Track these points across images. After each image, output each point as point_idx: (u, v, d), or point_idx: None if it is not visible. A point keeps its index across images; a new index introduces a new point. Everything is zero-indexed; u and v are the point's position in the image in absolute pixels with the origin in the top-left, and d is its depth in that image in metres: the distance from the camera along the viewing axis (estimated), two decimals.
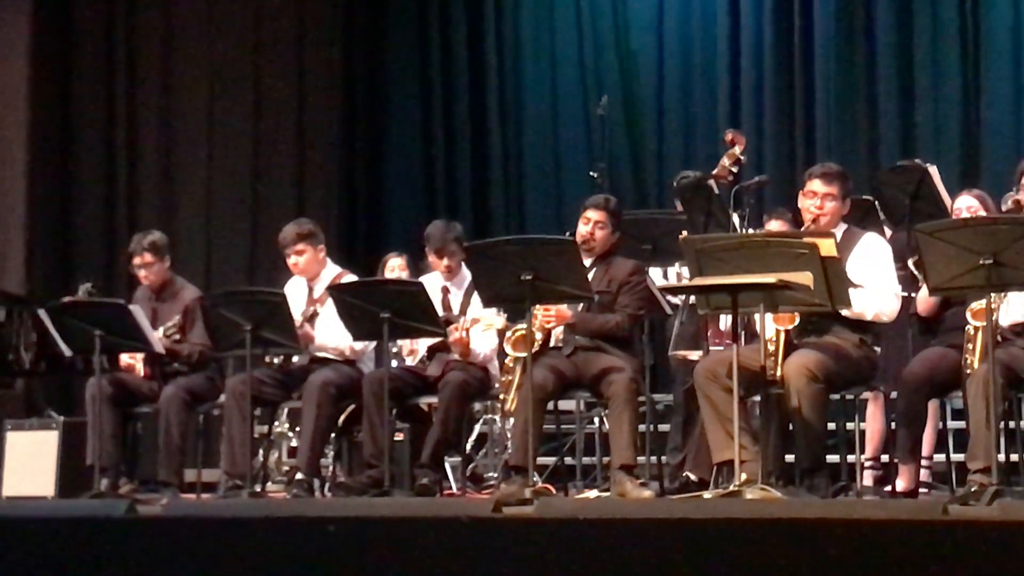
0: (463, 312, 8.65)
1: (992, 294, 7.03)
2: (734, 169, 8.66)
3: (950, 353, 7.52)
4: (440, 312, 8.48)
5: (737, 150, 8.60)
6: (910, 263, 7.77)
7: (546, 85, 12.88)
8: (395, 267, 10.06)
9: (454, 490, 9.05)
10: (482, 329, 8.43)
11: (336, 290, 8.56)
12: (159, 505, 8.01)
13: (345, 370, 8.78)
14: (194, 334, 9.05)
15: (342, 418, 8.88)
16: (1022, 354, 7.37)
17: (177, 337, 8.99)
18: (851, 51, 11.93)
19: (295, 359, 8.92)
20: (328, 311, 8.66)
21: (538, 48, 12.93)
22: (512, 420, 8.35)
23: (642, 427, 8.33)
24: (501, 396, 8.28)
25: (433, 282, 8.80)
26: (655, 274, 8.96)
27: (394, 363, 8.84)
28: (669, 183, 9.87)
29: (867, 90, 11.90)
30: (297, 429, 9.46)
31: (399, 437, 8.94)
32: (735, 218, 8.46)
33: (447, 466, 9.08)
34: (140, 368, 9.15)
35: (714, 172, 8.59)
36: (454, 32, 13.14)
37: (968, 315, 7.35)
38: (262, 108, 12.92)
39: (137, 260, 9.41)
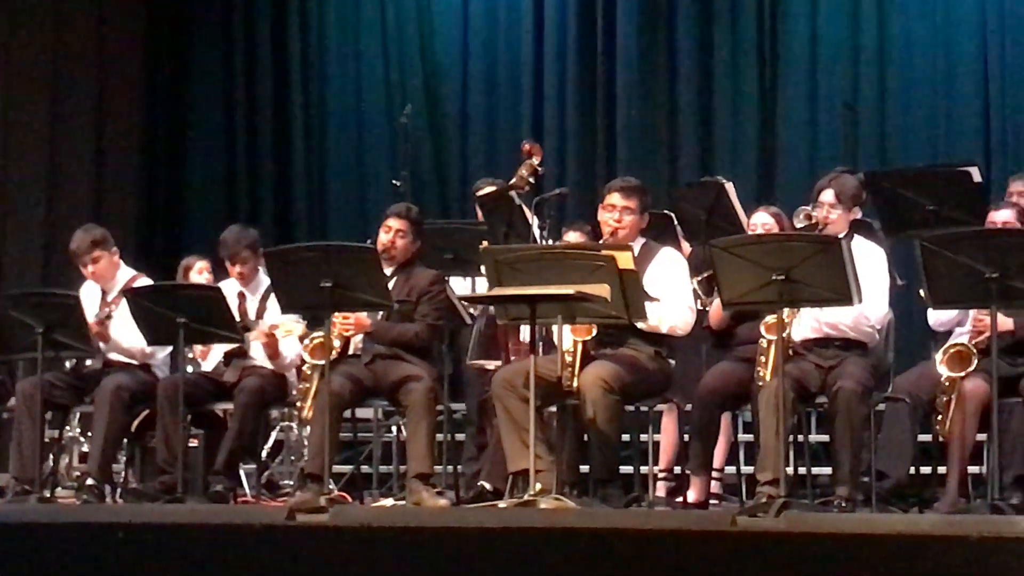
0: (259, 318, 8.57)
1: (784, 309, 7.17)
2: (531, 180, 8.71)
3: (742, 367, 7.65)
4: (237, 318, 8.40)
5: (535, 161, 8.67)
6: (694, 281, 7.90)
7: (350, 92, 12.84)
8: (202, 268, 9.94)
9: (248, 497, 8.96)
10: (282, 335, 8.37)
11: (131, 294, 8.44)
12: None
13: (139, 375, 8.67)
14: None
15: (135, 423, 8.75)
16: (812, 369, 7.52)
17: None
18: (653, 67, 12.07)
19: (88, 363, 8.77)
20: (122, 314, 8.54)
21: (342, 55, 12.89)
22: (309, 427, 8.30)
23: (439, 436, 8.35)
24: (298, 403, 8.24)
25: (230, 287, 8.72)
26: (456, 283, 8.99)
27: (190, 368, 8.74)
28: (471, 192, 9.91)
29: (667, 106, 12.06)
30: (89, 434, 9.30)
31: (193, 443, 8.82)
32: (535, 229, 8.52)
33: (242, 473, 8.99)
34: None
35: (512, 182, 8.64)
36: (258, 36, 13.02)
37: (761, 329, 7.48)
38: (59, 109, 12.66)
39: None
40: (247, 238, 8.78)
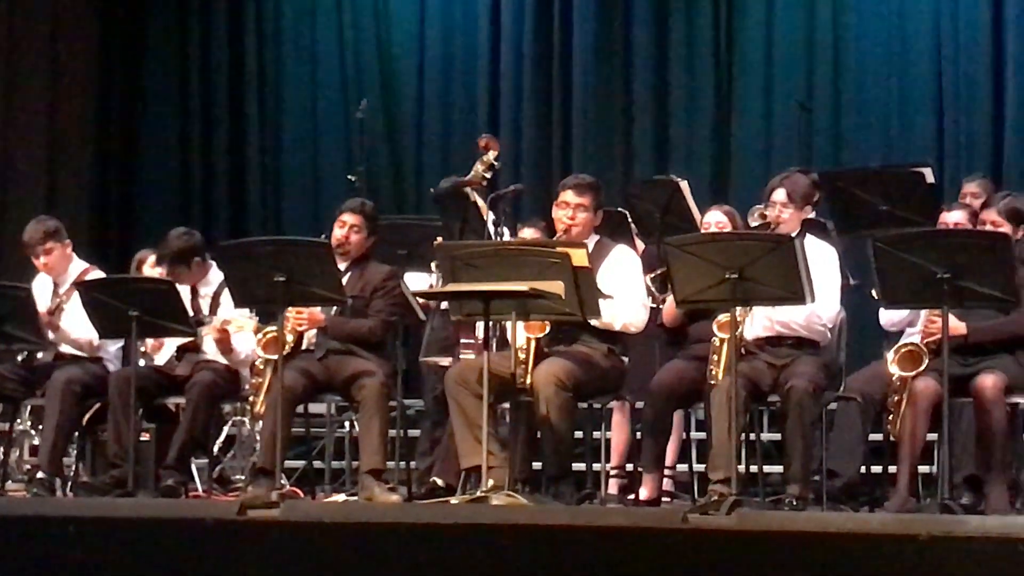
0: (212, 313, 8.54)
1: (737, 308, 7.19)
2: (488, 175, 8.71)
3: (695, 365, 7.66)
4: (190, 312, 8.37)
5: (491, 156, 8.65)
6: (647, 279, 7.92)
7: (306, 87, 12.80)
8: (155, 262, 9.86)
9: (200, 492, 8.93)
10: (233, 330, 8.34)
11: (84, 286, 8.40)
12: None
13: (91, 368, 8.63)
14: None
15: (87, 417, 8.71)
16: (765, 368, 7.55)
17: None
18: (608, 65, 12.09)
19: (40, 355, 8.73)
20: (74, 306, 8.50)
21: (298, 49, 12.85)
22: (261, 422, 8.29)
23: (392, 432, 8.34)
24: (251, 398, 8.21)
25: None
26: (411, 279, 8.98)
27: (142, 362, 8.71)
28: (430, 192, 9.90)
29: (623, 104, 12.08)
30: (40, 427, 9.25)
31: (145, 437, 8.80)
32: (490, 225, 8.52)
33: (193, 467, 8.97)
34: None
35: (468, 178, 8.63)
36: (214, 30, 12.97)
37: (713, 328, 7.50)
38: (13, 103, 12.58)
39: None
40: (189, 241, 8.68)
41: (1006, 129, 11.11)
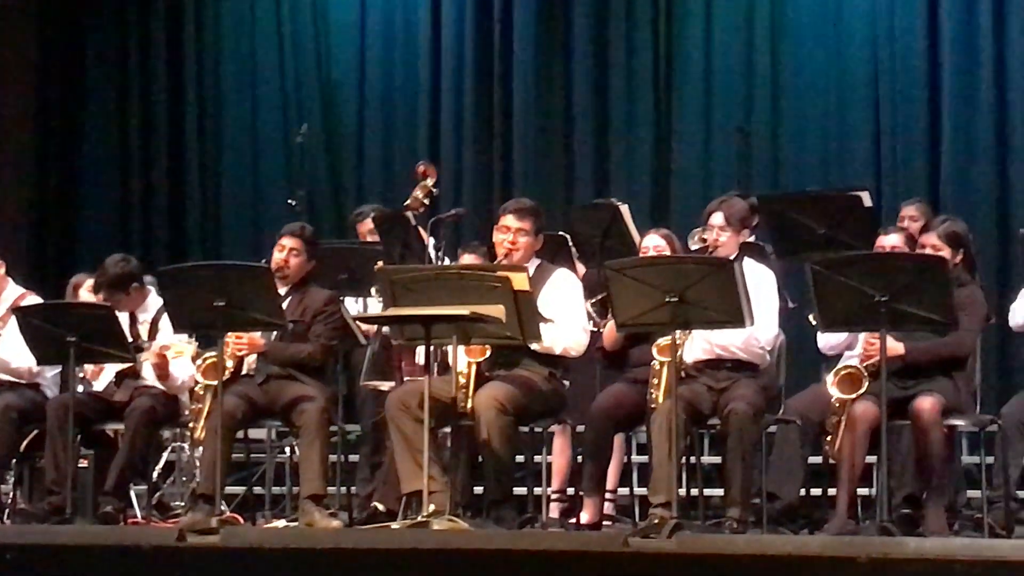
0: (152, 338, 8.50)
1: (677, 331, 7.21)
2: (426, 201, 8.73)
3: (636, 388, 7.68)
4: (129, 338, 8.33)
5: (429, 182, 8.67)
6: (588, 304, 7.94)
7: (246, 110, 12.78)
8: (92, 286, 9.80)
9: (139, 518, 8.88)
10: (172, 355, 8.29)
11: (21, 312, 8.35)
12: None
13: (28, 394, 8.58)
14: None
15: (24, 443, 8.64)
16: (704, 391, 7.57)
17: None
18: (549, 90, 12.12)
19: None
20: (10, 332, 8.44)
21: (239, 73, 12.82)
22: (201, 448, 8.24)
23: (332, 457, 8.32)
24: (190, 423, 8.17)
25: None
26: (351, 304, 8.97)
27: (80, 388, 8.65)
28: (350, 217, 9.93)
29: (563, 129, 12.11)
30: None
31: (83, 463, 8.74)
32: (431, 249, 8.52)
33: (132, 494, 8.92)
34: None
35: (407, 203, 8.63)
36: (153, 53, 12.93)
37: (653, 351, 7.52)
38: None
39: None
40: (126, 267, 8.64)
41: (942, 153, 11.20)
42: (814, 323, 7.37)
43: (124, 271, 8.59)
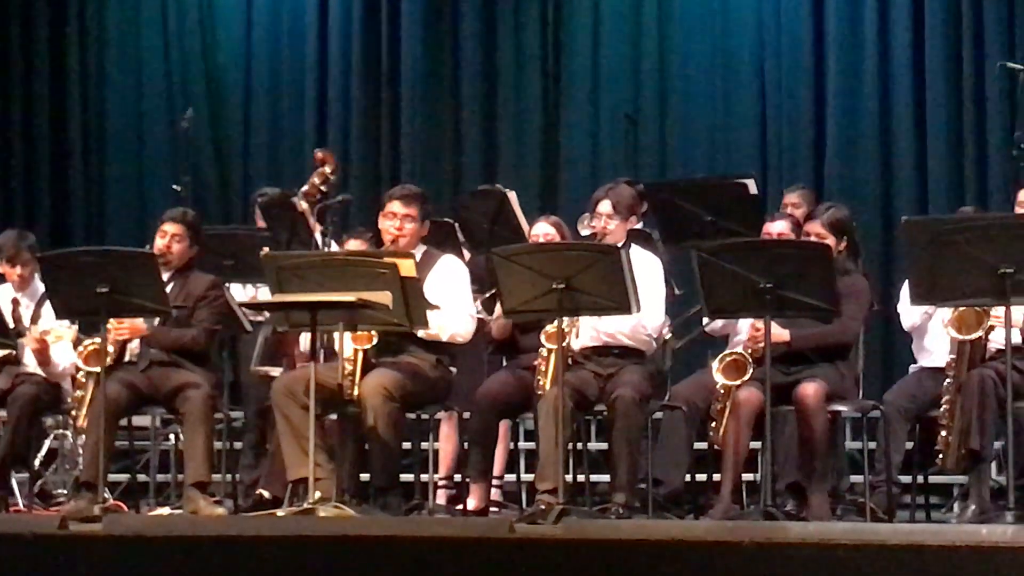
0: (34, 323, 8.40)
1: (564, 318, 7.23)
2: (323, 188, 8.68)
3: (523, 375, 7.69)
4: (11, 324, 8.22)
5: (327, 170, 8.63)
6: (479, 303, 7.94)
7: (130, 95, 12.62)
8: None
9: (20, 506, 8.77)
10: (52, 340, 8.20)
11: None
12: None
13: None
14: None
15: None
16: (591, 378, 7.60)
17: None
18: (437, 76, 12.10)
19: None
20: None
21: (123, 58, 12.66)
22: (84, 435, 8.16)
23: (218, 444, 8.26)
24: (73, 411, 8.09)
25: (4, 293, 8.54)
26: (241, 290, 8.91)
27: None
28: (252, 199, 9.84)
29: (452, 115, 12.09)
30: None
31: None
32: (318, 236, 8.48)
33: (14, 482, 8.80)
34: None
35: (304, 190, 8.59)
36: (36, 36, 12.73)
37: (541, 338, 7.53)
38: None
39: None
40: (26, 240, 8.62)
41: (827, 141, 11.30)
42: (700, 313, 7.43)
43: (20, 247, 8.52)
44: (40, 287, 8.40)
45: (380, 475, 7.52)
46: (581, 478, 8.23)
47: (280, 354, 8.43)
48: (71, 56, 12.66)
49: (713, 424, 7.45)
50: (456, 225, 8.92)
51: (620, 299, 7.09)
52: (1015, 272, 6.70)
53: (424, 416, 7.79)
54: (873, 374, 9.23)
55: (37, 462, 9.32)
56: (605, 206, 7.82)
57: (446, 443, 8.54)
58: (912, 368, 8.10)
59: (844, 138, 11.28)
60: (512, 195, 8.85)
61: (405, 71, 12.07)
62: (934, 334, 7.85)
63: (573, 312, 7.28)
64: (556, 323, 7.26)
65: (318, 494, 7.11)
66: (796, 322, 7.50)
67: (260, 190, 9.73)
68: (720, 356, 7.54)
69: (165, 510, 8.17)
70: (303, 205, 8.47)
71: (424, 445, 8.09)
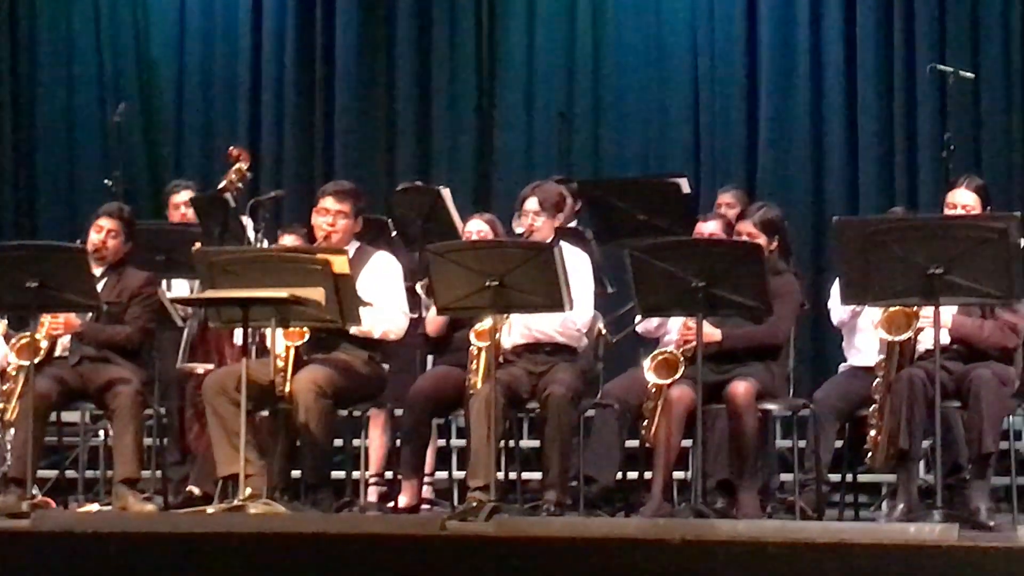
0: None
1: (497, 315, 7.24)
2: (240, 184, 8.67)
3: (455, 372, 7.70)
4: None
5: (243, 166, 8.62)
6: (419, 288, 7.94)
7: (61, 88, 12.51)
8: None
9: None
10: None
11: None
12: None
13: None
14: None
15: None
16: (523, 375, 7.62)
17: None
18: (371, 72, 12.07)
19: None
20: None
21: (54, 51, 12.55)
22: (12, 430, 8.10)
23: (148, 440, 8.22)
24: (2, 405, 8.02)
25: None
26: (184, 285, 8.87)
27: None
28: (164, 195, 9.82)
29: (385, 112, 12.06)
30: None
31: None
32: (250, 231, 8.45)
33: None
34: None
35: (222, 186, 8.56)
36: None
37: (472, 336, 7.53)
38: None
39: None
40: None
41: (759, 141, 11.36)
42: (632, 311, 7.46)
43: None
44: None
45: (311, 472, 7.51)
46: (513, 475, 8.24)
47: (205, 350, 8.40)
48: (2, 48, 12.55)
49: (645, 422, 7.47)
50: (389, 222, 8.91)
51: (553, 297, 7.10)
52: (944, 273, 6.76)
53: (356, 413, 7.79)
54: (803, 373, 9.29)
55: None
56: (532, 204, 7.85)
57: (377, 440, 8.53)
58: (842, 367, 8.14)
59: (776, 138, 11.33)
60: (446, 192, 8.86)
61: (339, 67, 12.04)
62: (864, 333, 7.90)
63: (506, 309, 7.29)
64: (487, 321, 7.27)
65: (249, 490, 7.10)
66: (727, 321, 7.54)
67: (174, 182, 9.73)
68: (652, 355, 7.57)
69: (94, 506, 8.13)
70: (234, 201, 8.46)
71: (356, 442, 8.08)
